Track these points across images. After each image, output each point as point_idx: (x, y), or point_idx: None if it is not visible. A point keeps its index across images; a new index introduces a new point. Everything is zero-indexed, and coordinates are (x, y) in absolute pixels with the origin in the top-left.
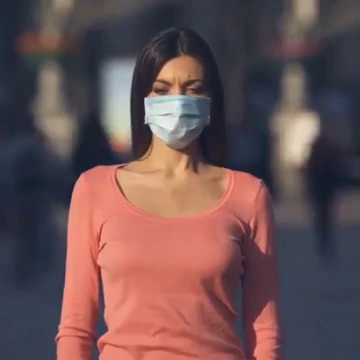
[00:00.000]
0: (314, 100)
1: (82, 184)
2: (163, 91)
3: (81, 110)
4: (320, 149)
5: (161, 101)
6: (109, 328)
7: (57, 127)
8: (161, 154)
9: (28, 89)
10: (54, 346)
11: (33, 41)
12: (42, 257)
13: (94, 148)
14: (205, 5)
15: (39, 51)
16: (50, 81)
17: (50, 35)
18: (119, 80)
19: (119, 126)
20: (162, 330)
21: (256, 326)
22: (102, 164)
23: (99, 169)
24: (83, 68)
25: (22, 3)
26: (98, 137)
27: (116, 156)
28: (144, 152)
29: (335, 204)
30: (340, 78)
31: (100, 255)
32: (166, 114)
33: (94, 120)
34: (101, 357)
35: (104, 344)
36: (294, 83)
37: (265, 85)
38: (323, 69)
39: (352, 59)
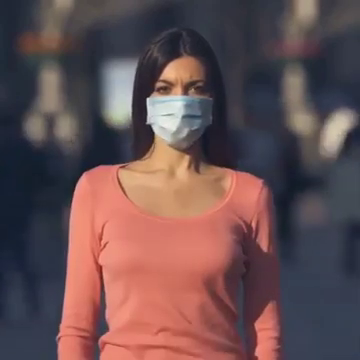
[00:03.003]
0: (314, 100)
1: (84, 183)
2: (165, 91)
3: (81, 110)
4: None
5: (163, 101)
6: (110, 327)
7: (57, 127)
8: (163, 154)
9: (28, 89)
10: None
11: (33, 41)
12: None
13: (102, 150)
14: (205, 5)
15: (39, 51)
16: (50, 81)
17: (50, 35)
18: (119, 80)
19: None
20: (164, 329)
21: (257, 326)
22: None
23: (101, 168)
24: (83, 68)
25: (22, 3)
26: (105, 139)
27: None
28: (146, 152)
29: (294, 207)
30: (340, 78)
31: (102, 254)
32: (168, 114)
33: (100, 122)
34: (102, 356)
35: (105, 343)
36: (294, 83)
37: (265, 85)
38: (323, 69)
39: (352, 59)
